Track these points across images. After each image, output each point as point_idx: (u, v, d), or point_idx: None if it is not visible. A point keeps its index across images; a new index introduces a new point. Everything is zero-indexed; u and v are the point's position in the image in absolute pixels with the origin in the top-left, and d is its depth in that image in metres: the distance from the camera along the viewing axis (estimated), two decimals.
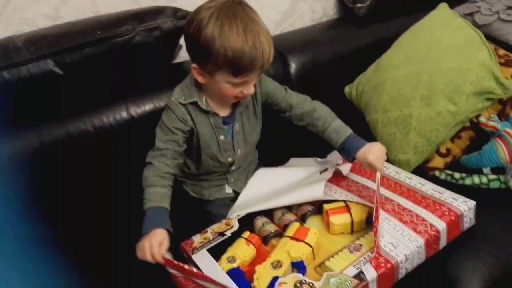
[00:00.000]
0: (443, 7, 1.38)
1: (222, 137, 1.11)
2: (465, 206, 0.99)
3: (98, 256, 1.10)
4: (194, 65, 1.01)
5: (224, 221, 1.08)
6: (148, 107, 1.20)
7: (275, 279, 0.90)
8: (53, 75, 1.09)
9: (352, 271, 0.88)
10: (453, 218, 0.97)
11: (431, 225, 0.96)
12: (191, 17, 0.98)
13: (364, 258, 0.91)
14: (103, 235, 1.13)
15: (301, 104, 1.14)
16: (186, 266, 0.88)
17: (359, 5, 1.50)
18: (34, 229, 1.05)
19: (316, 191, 1.06)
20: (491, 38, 1.34)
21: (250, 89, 1.02)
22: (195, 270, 0.88)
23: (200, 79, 1.02)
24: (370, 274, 0.87)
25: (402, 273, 0.92)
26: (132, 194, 1.02)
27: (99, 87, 1.18)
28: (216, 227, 1.07)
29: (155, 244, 0.92)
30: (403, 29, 1.41)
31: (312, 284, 0.86)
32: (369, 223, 0.99)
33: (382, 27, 1.51)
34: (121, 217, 1.14)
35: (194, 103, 1.06)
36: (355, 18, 1.52)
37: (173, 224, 1.00)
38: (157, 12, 1.16)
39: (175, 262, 0.90)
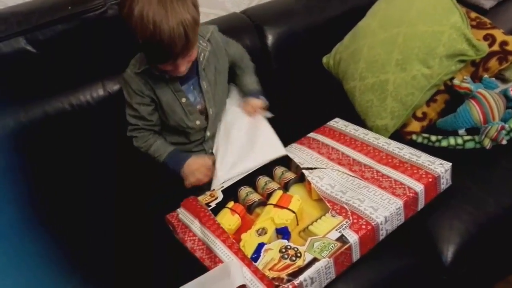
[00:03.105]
0: None
1: (184, 99, 1.10)
2: (441, 168, 1.02)
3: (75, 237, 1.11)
4: None
5: (208, 193, 1.09)
6: None
7: (260, 245, 0.92)
8: (26, 53, 1.07)
9: (335, 234, 0.91)
10: (430, 180, 1.00)
11: (409, 188, 0.99)
12: None
13: (346, 222, 0.93)
14: (81, 214, 1.14)
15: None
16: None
17: None
18: (15, 211, 1.04)
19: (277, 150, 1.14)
20: (463, 1, 1.35)
21: (177, 72, 1.02)
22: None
23: None
24: (352, 236, 0.90)
25: (383, 234, 0.96)
26: (112, 171, 1.02)
27: (74, 64, 1.16)
28: (201, 199, 1.08)
29: (206, 160, 1.11)
30: None
31: (297, 249, 0.89)
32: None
33: None
34: (100, 196, 1.15)
35: (148, 70, 1.06)
36: None
37: (156, 199, 1.00)
38: None
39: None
